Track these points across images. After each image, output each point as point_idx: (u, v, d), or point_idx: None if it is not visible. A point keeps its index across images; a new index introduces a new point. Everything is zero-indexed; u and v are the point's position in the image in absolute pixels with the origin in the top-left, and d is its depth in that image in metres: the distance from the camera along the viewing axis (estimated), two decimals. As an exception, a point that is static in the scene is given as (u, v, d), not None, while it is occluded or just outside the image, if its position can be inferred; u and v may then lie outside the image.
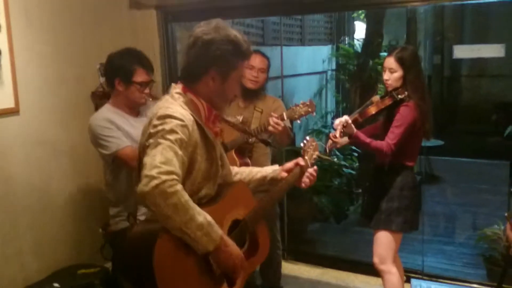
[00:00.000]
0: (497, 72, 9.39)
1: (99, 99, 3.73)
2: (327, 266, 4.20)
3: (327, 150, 2.98)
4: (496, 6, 8.11)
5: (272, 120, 2.84)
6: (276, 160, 3.77)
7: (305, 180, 2.25)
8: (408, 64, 2.89)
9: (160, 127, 1.72)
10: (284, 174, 2.19)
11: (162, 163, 1.64)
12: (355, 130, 2.82)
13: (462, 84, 10.29)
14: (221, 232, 1.75)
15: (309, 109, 2.85)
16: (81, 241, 3.66)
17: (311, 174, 2.27)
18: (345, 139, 3.07)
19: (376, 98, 2.98)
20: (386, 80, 2.95)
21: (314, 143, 2.37)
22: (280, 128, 2.85)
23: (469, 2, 4.37)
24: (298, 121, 2.94)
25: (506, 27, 8.24)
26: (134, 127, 2.80)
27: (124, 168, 2.75)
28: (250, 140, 3.02)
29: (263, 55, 3.29)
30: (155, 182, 1.60)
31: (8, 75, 3.10)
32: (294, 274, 4.11)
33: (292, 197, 4.49)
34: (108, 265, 3.38)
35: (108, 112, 2.80)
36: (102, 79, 3.73)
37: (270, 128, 2.86)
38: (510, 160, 5.75)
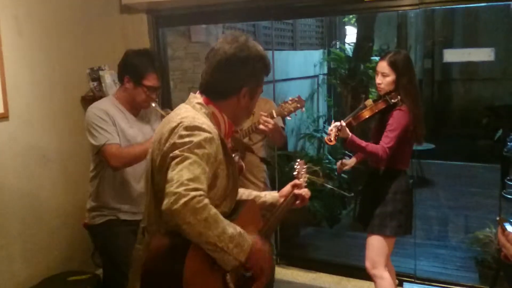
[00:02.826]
0: (487, 76, 9.45)
1: (89, 104, 3.70)
2: (320, 270, 4.19)
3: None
4: (486, 10, 8.17)
5: (262, 119, 2.83)
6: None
7: (301, 196, 2.27)
8: (401, 68, 2.89)
9: (187, 139, 1.65)
10: (282, 199, 2.21)
11: (190, 180, 1.57)
12: (350, 134, 2.81)
13: (452, 88, 10.34)
14: (251, 241, 1.71)
15: (298, 105, 2.83)
16: (72, 248, 3.63)
17: (306, 194, 2.27)
18: (353, 160, 3.15)
19: (369, 101, 2.98)
20: (379, 84, 2.95)
21: (305, 166, 2.41)
22: (270, 125, 2.82)
23: (459, 6, 4.39)
24: (288, 118, 2.92)
25: (496, 31, 8.30)
26: (131, 126, 2.78)
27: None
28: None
29: None
30: (183, 200, 1.53)
31: (-3, 81, 3.08)
32: (287, 279, 4.09)
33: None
34: (99, 271, 3.35)
35: (109, 104, 2.77)
36: (92, 84, 3.72)
37: (260, 126, 2.84)
38: (501, 163, 5.79)
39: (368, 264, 3.02)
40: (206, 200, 1.58)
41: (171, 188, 1.56)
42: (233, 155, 2.51)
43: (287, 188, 2.25)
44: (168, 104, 4.09)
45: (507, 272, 2.82)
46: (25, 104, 3.29)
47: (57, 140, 3.52)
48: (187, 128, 1.68)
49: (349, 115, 2.98)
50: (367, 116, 2.92)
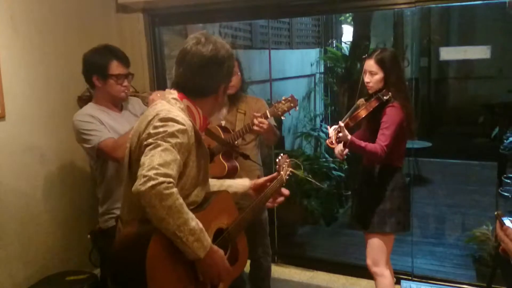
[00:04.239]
0: (483, 74, 9.47)
1: (85, 103, 3.69)
2: (317, 269, 4.20)
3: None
4: (482, 8, 8.18)
5: (257, 120, 2.83)
6: (266, 162, 3.77)
7: (281, 192, 2.32)
8: (388, 65, 2.89)
9: (161, 129, 1.73)
10: (252, 192, 2.26)
11: (160, 165, 1.65)
12: (349, 135, 2.80)
13: (449, 86, 10.36)
14: (210, 241, 1.78)
15: (292, 104, 2.84)
16: (69, 247, 3.63)
17: (280, 201, 2.33)
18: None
19: (361, 101, 2.96)
20: (367, 82, 2.94)
21: (287, 160, 2.46)
22: (265, 126, 2.83)
23: (455, 4, 4.41)
24: (282, 118, 2.93)
25: (492, 29, 8.31)
26: (118, 121, 2.80)
27: (111, 164, 2.74)
28: (236, 142, 3.01)
29: None
30: (151, 182, 1.61)
31: (-6, 81, 3.07)
32: (285, 277, 4.10)
33: (282, 200, 4.48)
34: (97, 271, 3.35)
35: (91, 109, 2.80)
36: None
37: (255, 127, 2.84)
38: (498, 161, 5.81)
39: (369, 262, 3.03)
40: (174, 189, 1.65)
41: (142, 171, 1.64)
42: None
43: (261, 180, 2.31)
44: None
45: (504, 269, 2.82)
46: (21, 104, 3.28)
47: (54, 140, 3.52)
48: (162, 119, 1.76)
49: (345, 117, 2.96)
50: (363, 116, 2.90)
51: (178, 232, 1.65)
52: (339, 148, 2.98)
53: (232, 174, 3.03)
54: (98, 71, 2.73)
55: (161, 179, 1.62)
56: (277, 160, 2.41)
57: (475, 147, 8.11)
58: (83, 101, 3.70)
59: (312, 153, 6.20)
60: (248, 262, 3.33)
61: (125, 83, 2.78)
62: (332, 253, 4.68)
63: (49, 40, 3.47)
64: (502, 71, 9.11)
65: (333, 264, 4.24)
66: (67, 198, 3.63)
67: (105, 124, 2.72)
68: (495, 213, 1.68)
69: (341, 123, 2.80)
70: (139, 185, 1.62)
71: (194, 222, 1.70)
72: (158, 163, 1.64)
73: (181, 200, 1.67)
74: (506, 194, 5.63)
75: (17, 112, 3.25)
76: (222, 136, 2.97)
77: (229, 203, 2.10)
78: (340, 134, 2.78)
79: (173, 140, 1.71)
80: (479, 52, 4.50)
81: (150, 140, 1.72)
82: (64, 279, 3.25)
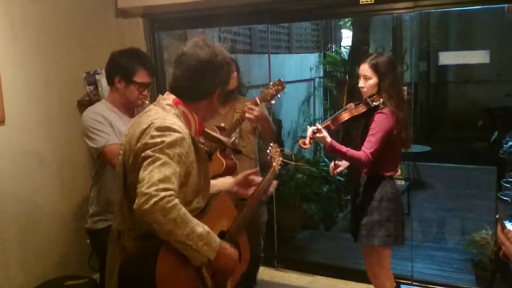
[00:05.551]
0: (482, 78, 9.49)
1: (85, 108, 3.70)
2: (317, 273, 4.19)
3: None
4: (481, 13, 8.20)
5: (247, 107, 2.86)
6: (266, 166, 3.77)
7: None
8: (383, 71, 2.80)
9: (159, 139, 1.71)
10: (236, 188, 2.24)
11: (160, 180, 1.63)
12: (329, 138, 2.69)
13: (448, 91, 10.38)
14: (218, 240, 1.79)
15: (279, 87, 2.86)
16: (68, 252, 3.62)
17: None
18: (345, 163, 3.02)
19: (350, 105, 2.89)
20: (362, 87, 2.87)
21: (278, 149, 2.47)
22: (256, 113, 2.85)
23: (453, 9, 4.42)
24: (272, 102, 2.95)
25: (491, 34, 8.33)
26: (128, 126, 2.78)
27: (109, 168, 2.70)
28: (232, 136, 3.03)
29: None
30: (154, 199, 1.60)
31: (-7, 85, 3.07)
32: (284, 282, 4.09)
33: (282, 204, 4.49)
34: (96, 276, 3.34)
35: (103, 108, 2.76)
36: (88, 88, 3.72)
37: (246, 115, 2.87)
38: (497, 165, 5.81)
39: (370, 274, 3.02)
40: (176, 200, 1.64)
41: (142, 188, 1.63)
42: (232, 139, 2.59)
43: (241, 177, 2.27)
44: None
45: (504, 273, 2.82)
46: (21, 109, 3.29)
47: (53, 144, 3.52)
48: (158, 128, 1.74)
49: (328, 118, 2.88)
50: (346, 119, 2.82)
51: (187, 241, 1.66)
52: (332, 164, 3.00)
53: (231, 170, 3.01)
54: (123, 74, 2.70)
55: (162, 194, 1.61)
56: (268, 150, 2.41)
57: (474, 151, 8.11)
58: (83, 105, 3.72)
59: (312, 157, 6.20)
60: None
61: (145, 91, 2.77)
62: (331, 257, 4.67)
63: (49, 45, 3.48)
64: (501, 75, 9.13)
65: (333, 269, 4.23)
66: (66, 203, 3.62)
67: (115, 128, 2.70)
68: (496, 216, 1.67)
69: (319, 125, 2.72)
70: (141, 203, 1.61)
71: (200, 227, 1.71)
72: (157, 179, 1.63)
73: (184, 210, 1.66)
74: (505, 198, 5.62)
75: (17, 117, 3.25)
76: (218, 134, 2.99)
77: (228, 205, 2.10)
78: (317, 135, 2.68)
79: (172, 152, 1.70)
80: (478, 57, 4.50)
81: (148, 152, 1.69)
82: (63, 284, 3.24)
